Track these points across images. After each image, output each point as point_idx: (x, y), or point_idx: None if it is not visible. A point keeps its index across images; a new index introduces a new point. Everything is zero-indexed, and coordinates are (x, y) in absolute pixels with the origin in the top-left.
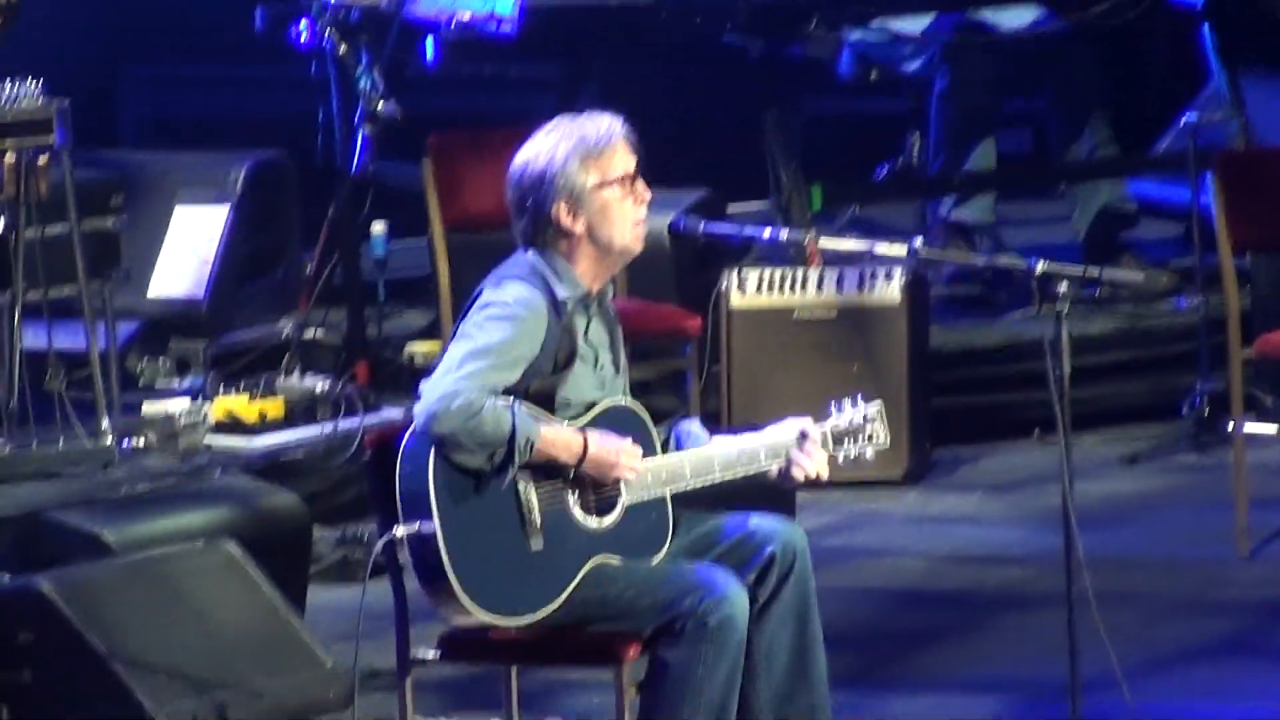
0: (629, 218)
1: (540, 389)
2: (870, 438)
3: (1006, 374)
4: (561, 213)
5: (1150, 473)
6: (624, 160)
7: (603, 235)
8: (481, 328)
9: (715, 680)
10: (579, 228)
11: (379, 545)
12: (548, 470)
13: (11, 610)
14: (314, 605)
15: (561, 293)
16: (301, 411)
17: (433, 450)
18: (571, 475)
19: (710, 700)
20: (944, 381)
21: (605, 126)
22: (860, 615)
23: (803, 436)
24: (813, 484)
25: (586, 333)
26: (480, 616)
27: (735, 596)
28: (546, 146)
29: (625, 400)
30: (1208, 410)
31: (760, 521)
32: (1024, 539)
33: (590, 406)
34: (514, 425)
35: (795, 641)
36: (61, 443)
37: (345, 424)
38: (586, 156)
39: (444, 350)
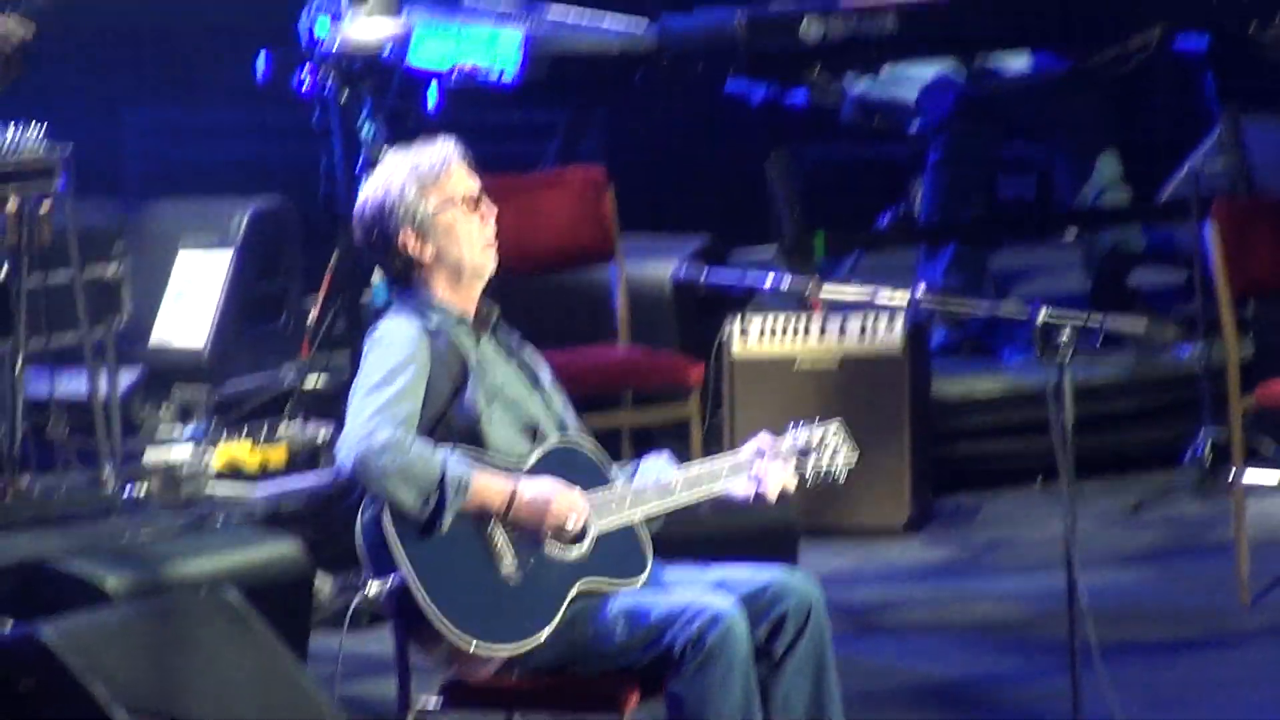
0: (477, 237)
1: (465, 428)
2: (834, 454)
3: (1009, 422)
4: (409, 241)
5: (1153, 521)
6: (463, 181)
7: (452, 257)
8: (369, 368)
9: (732, 698)
10: (428, 254)
11: (355, 600)
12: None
13: (13, 658)
14: (316, 653)
15: (433, 321)
16: (304, 459)
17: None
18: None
19: (733, 717)
20: (946, 429)
21: (438, 151)
22: (862, 663)
23: (760, 454)
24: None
25: (478, 350)
26: (475, 649)
27: (726, 612)
28: (382, 181)
29: (563, 439)
30: (1210, 458)
31: (774, 575)
32: (1026, 587)
33: (527, 451)
34: (444, 467)
35: (812, 690)
36: (64, 490)
37: None
38: (423, 182)
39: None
